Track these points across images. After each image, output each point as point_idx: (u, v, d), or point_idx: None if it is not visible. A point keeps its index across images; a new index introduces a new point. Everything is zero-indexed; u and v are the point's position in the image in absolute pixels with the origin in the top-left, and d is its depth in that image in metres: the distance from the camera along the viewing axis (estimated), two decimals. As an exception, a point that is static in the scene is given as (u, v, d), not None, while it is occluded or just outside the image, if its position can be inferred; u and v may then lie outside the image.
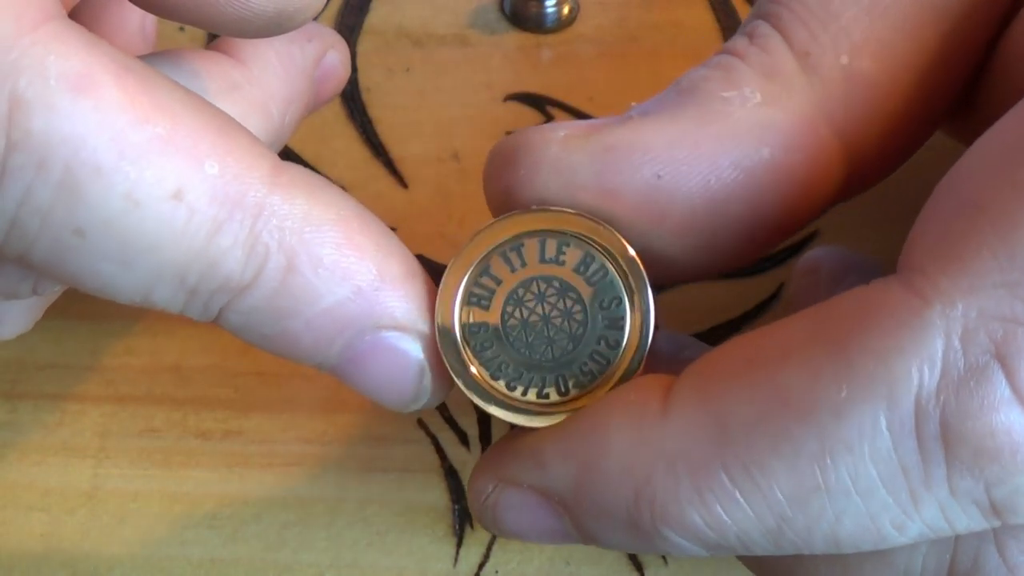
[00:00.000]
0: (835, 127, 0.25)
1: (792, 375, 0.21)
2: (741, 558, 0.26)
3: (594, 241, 0.24)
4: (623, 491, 0.23)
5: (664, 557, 0.31)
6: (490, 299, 0.25)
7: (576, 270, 0.25)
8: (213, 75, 0.28)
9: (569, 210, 0.24)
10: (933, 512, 0.21)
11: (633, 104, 0.26)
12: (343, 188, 0.25)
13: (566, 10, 0.39)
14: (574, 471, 0.23)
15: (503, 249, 0.25)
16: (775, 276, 0.34)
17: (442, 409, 0.33)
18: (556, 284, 0.25)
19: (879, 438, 0.21)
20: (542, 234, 0.25)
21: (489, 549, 0.31)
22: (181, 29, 0.39)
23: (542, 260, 0.25)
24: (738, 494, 0.22)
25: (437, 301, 0.25)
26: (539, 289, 0.25)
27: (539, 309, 0.25)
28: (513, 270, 0.25)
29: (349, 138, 0.37)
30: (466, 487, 0.26)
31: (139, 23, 0.30)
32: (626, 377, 0.25)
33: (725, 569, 0.30)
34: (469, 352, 0.25)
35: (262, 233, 0.23)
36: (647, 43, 0.39)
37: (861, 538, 0.22)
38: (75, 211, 0.21)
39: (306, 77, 0.30)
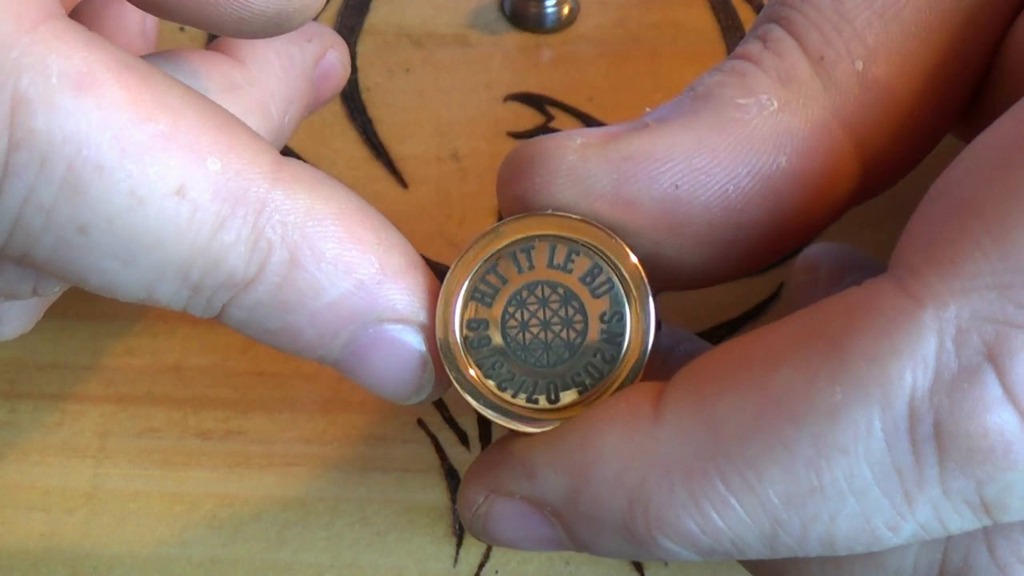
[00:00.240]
0: (850, 132, 0.25)
1: (786, 378, 0.22)
2: None
3: (603, 253, 0.25)
4: (616, 499, 0.23)
5: (664, 557, 0.31)
6: (493, 297, 0.25)
7: (582, 280, 0.25)
8: (213, 75, 0.28)
9: (582, 218, 0.24)
10: (926, 512, 0.21)
11: (648, 109, 0.26)
12: (343, 187, 0.25)
13: (566, 10, 0.39)
14: (566, 480, 0.24)
15: (513, 249, 0.25)
16: (775, 276, 0.34)
17: (442, 409, 0.33)
18: (561, 291, 0.25)
19: (873, 440, 0.21)
20: (553, 239, 0.25)
21: (489, 549, 0.31)
22: (181, 29, 0.39)
23: (550, 265, 0.25)
24: (733, 499, 0.22)
25: (441, 293, 0.25)
26: (543, 294, 0.25)
27: (540, 314, 0.25)
28: (520, 271, 0.25)
29: (349, 138, 0.38)
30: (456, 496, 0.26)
31: (140, 23, 0.30)
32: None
33: (725, 569, 0.31)
34: (466, 347, 0.25)
35: (265, 228, 0.23)
36: (647, 43, 0.39)
37: (856, 539, 0.22)
38: (78, 209, 0.22)
39: (306, 77, 0.31)
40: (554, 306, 0.25)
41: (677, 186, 0.24)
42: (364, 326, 0.24)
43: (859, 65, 0.25)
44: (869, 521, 0.22)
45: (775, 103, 0.24)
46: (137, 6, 0.25)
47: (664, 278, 0.25)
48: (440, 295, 0.25)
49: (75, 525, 0.32)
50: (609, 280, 0.25)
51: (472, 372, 0.25)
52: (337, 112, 0.38)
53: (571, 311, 0.25)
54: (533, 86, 0.38)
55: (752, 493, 0.22)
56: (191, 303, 0.24)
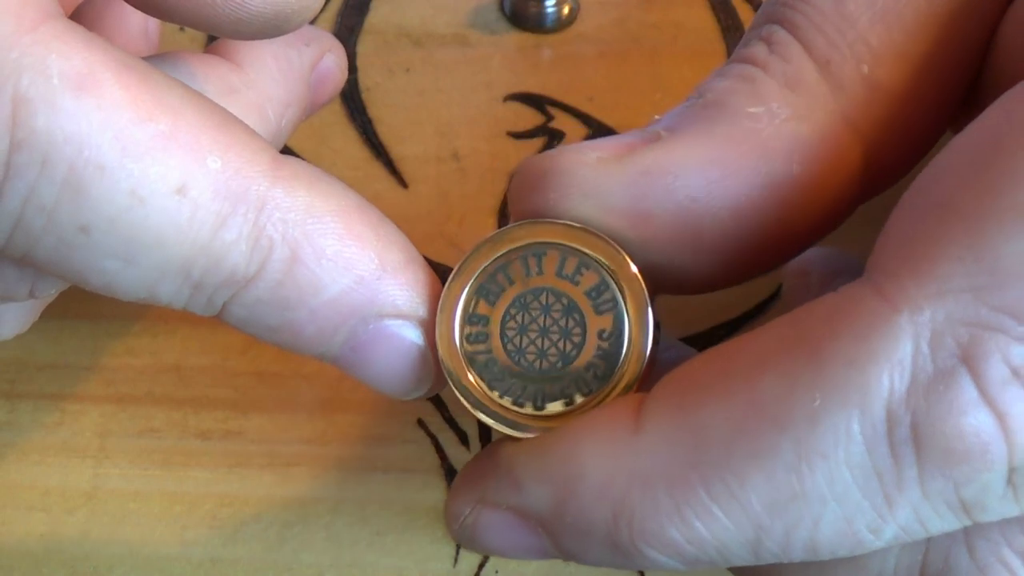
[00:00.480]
0: (857, 136, 0.25)
1: (767, 385, 0.22)
2: None
3: (613, 272, 0.25)
4: (601, 510, 0.23)
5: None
6: (499, 296, 0.25)
7: (588, 294, 0.25)
8: (210, 78, 0.28)
9: (599, 232, 0.25)
10: (907, 514, 0.22)
11: (656, 116, 0.26)
12: (342, 186, 0.26)
13: (566, 10, 0.39)
14: (551, 492, 0.24)
15: (525, 253, 0.25)
16: (775, 276, 0.34)
17: (442, 409, 0.34)
18: (564, 301, 0.25)
19: (853, 444, 0.21)
20: (566, 249, 0.25)
21: (489, 549, 0.32)
22: (181, 30, 0.39)
23: (559, 274, 0.25)
24: (716, 507, 0.22)
25: (447, 285, 0.25)
26: (547, 301, 0.25)
27: (541, 320, 0.25)
28: (528, 275, 0.25)
29: (349, 138, 0.38)
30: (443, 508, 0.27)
31: (141, 25, 0.30)
32: None
33: (724, 571, 0.31)
34: (463, 342, 0.25)
35: (266, 226, 0.23)
36: (647, 43, 0.39)
37: (839, 544, 0.22)
38: (80, 209, 0.22)
39: (303, 81, 0.31)
40: (555, 315, 0.25)
41: (694, 199, 0.24)
42: (364, 322, 0.25)
43: (865, 68, 0.25)
44: (851, 525, 0.22)
45: (786, 111, 0.25)
46: (136, 7, 0.25)
47: (672, 285, 0.26)
48: (446, 287, 0.25)
49: (75, 525, 0.33)
50: (614, 299, 0.25)
51: (464, 366, 0.25)
52: (337, 112, 0.38)
53: (571, 323, 0.25)
54: (533, 86, 0.38)
55: (735, 501, 0.22)
56: (192, 301, 0.24)
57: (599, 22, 0.39)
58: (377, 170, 0.37)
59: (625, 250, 0.25)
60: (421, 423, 0.34)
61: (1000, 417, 0.21)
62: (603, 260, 0.25)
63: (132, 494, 0.33)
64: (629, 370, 0.25)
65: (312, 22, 0.32)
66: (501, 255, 0.25)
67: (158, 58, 0.28)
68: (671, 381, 0.23)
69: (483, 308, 0.25)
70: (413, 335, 0.25)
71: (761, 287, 0.34)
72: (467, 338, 0.25)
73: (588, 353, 0.25)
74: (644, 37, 0.39)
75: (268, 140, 0.29)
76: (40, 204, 0.22)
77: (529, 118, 0.38)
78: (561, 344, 0.25)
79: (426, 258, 0.26)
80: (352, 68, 0.38)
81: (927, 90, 0.25)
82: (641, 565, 0.23)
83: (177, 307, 0.24)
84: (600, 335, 0.25)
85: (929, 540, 0.23)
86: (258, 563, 0.32)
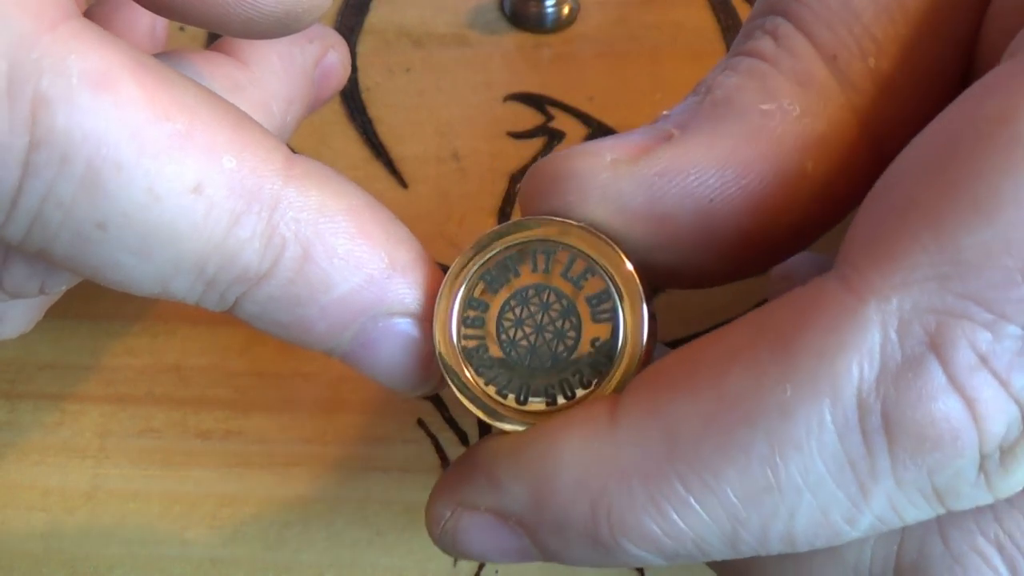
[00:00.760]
0: (866, 130, 0.25)
1: (737, 378, 0.22)
2: None
3: (618, 285, 0.25)
4: (579, 506, 0.23)
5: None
6: (502, 285, 0.26)
7: (589, 300, 0.25)
8: (216, 76, 0.29)
9: (610, 241, 0.25)
10: (882, 503, 0.22)
11: (664, 112, 0.26)
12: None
13: (566, 10, 0.40)
14: (529, 490, 0.24)
15: (536, 248, 0.26)
16: None
17: (442, 409, 0.34)
18: (564, 303, 0.25)
19: (825, 434, 0.21)
20: (576, 252, 0.25)
21: (489, 549, 0.32)
22: (182, 29, 0.40)
23: (564, 275, 0.25)
24: (692, 500, 0.22)
25: (451, 270, 0.26)
26: (547, 299, 0.26)
27: (538, 316, 0.26)
28: (535, 270, 0.26)
29: (349, 138, 0.38)
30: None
31: (149, 25, 0.31)
32: None
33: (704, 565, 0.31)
34: (459, 322, 0.26)
35: (279, 225, 0.24)
36: (647, 43, 0.39)
37: (815, 534, 0.23)
38: (97, 205, 0.22)
39: (307, 77, 0.31)
40: (553, 315, 0.26)
41: (711, 199, 0.25)
42: (373, 319, 0.25)
43: (872, 62, 0.25)
44: (827, 515, 0.22)
45: (797, 108, 0.25)
46: (146, 7, 0.25)
47: (681, 281, 0.26)
48: (450, 271, 0.26)
49: (75, 525, 0.33)
50: (614, 309, 0.25)
51: (456, 349, 0.26)
52: (337, 112, 0.39)
53: (567, 326, 0.25)
54: (533, 86, 0.39)
55: (711, 493, 0.22)
56: (205, 297, 0.24)
57: (599, 22, 0.40)
58: (377, 170, 0.38)
59: (637, 256, 0.25)
60: (421, 423, 0.34)
61: (969, 403, 0.21)
62: (609, 269, 0.25)
63: (132, 494, 0.33)
64: (615, 380, 0.25)
65: (313, 21, 0.32)
66: (513, 245, 0.26)
67: (163, 57, 0.28)
68: (645, 377, 0.24)
69: (485, 295, 0.26)
70: (421, 333, 0.26)
71: (761, 287, 0.35)
72: (464, 321, 0.26)
73: (579, 358, 0.25)
74: (644, 37, 0.40)
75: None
76: (58, 201, 0.22)
77: (529, 118, 0.39)
78: (554, 344, 0.26)
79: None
80: (352, 68, 0.39)
81: (929, 82, 0.26)
82: (622, 561, 0.24)
83: (190, 302, 0.25)
84: (593, 343, 0.25)
85: (904, 530, 0.24)
86: (258, 563, 0.32)
